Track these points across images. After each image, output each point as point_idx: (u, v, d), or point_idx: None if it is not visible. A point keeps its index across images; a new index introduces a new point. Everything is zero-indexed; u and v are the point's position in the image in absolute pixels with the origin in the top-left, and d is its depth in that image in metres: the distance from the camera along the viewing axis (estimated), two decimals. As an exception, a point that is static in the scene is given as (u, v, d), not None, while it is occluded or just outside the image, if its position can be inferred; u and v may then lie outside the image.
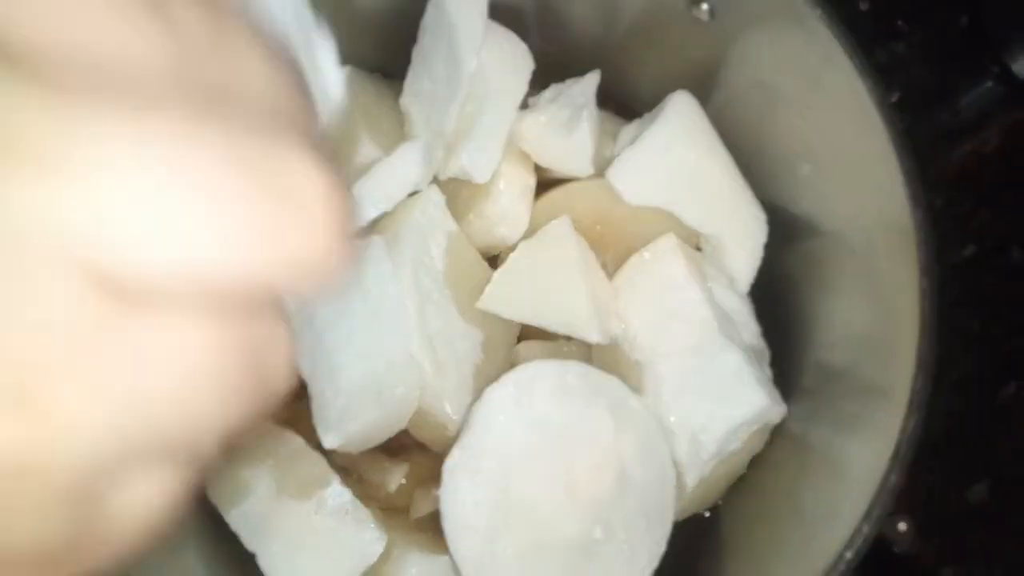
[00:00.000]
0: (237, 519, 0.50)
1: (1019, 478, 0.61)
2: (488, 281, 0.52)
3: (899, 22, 0.69)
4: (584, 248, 0.53)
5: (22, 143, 0.13)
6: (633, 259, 0.54)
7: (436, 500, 0.49)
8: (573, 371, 0.50)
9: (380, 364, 0.50)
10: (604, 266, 0.54)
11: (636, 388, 0.52)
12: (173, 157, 0.14)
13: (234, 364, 0.16)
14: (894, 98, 0.64)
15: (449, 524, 0.48)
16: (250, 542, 0.49)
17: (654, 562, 0.50)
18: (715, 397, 0.51)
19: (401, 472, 0.53)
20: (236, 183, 0.15)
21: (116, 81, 0.14)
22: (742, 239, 0.54)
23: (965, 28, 0.69)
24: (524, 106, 0.56)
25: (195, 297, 0.15)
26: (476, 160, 0.53)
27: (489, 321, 0.53)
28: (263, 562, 0.49)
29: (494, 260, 0.56)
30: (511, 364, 0.52)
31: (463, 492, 0.48)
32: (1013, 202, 0.66)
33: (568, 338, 0.52)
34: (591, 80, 0.56)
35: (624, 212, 0.54)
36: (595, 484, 0.49)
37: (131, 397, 0.15)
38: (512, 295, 0.52)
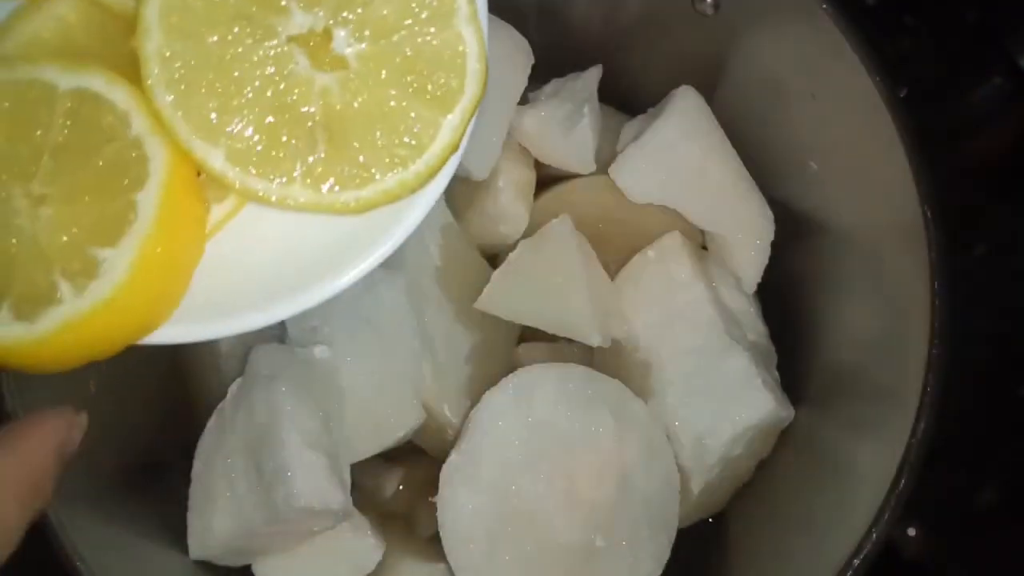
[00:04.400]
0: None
1: (1030, 482, 0.61)
2: (487, 281, 0.51)
3: (906, 17, 0.68)
4: (585, 247, 0.53)
5: None
6: (636, 258, 0.54)
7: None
8: (575, 376, 0.50)
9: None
10: (606, 265, 0.54)
11: (639, 391, 0.51)
12: None
13: None
14: (901, 94, 0.63)
15: (447, 531, 0.48)
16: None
17: (658, 570, 0.49)
18: (721, 400, 0.50)
19: (397, 477, 0.53)
20: None
21: None
22: (748, 237, 0.54)
23: (973, 23, 0.68)
24: (524, 101, 0.55)
25: None
26: (474, 156, 0.52)
27: (488, 322, 0.52)
28: (259, 571, 0.49)
29: (494, 259, 0.55)
30: (511, 367, 0.51)
31: (461, 499, 0.48)
32: (1024, 199, 0.65)
33: (569, 340, 0.52)
34: (593, 74, 0.56)
35: (627, 210, 0.53)
36: (597, 491, 0.48)
37: None
38: (511, 296, 0.51)
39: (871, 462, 0.45)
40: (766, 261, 0.54)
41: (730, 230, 0.54)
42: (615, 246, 0.54)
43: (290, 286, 0.32)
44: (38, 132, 0.30)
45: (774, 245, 0.54)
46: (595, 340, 0.50)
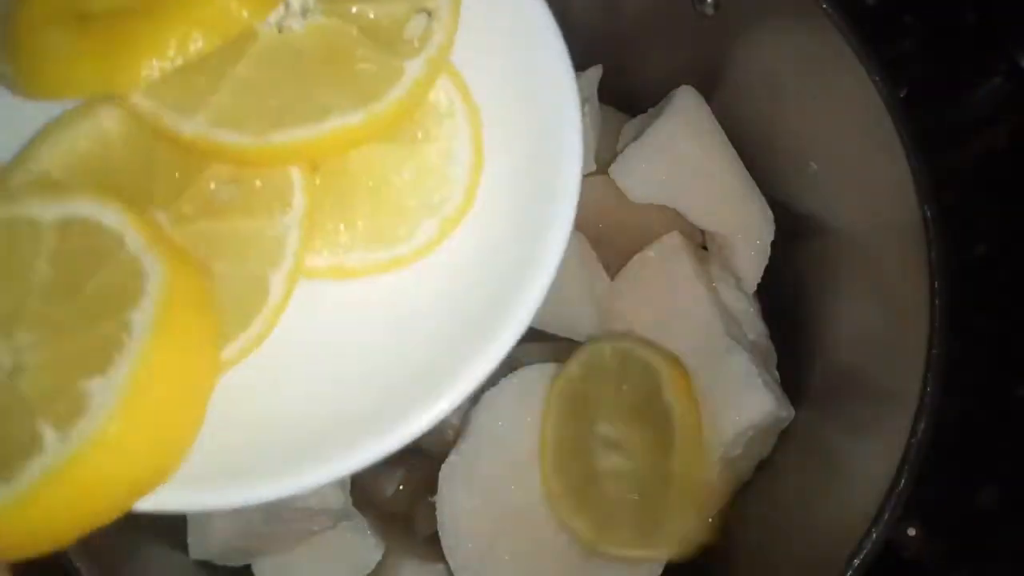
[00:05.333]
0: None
1: (1030, 482, 0.60)
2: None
3: (906, 17, 0.68)
4: (585, 247, 0.52)
5: None
6: (636, 258, 0.53)
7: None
8: (574, 375, 0.50)
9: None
10: (606, 266, 0.54)
11: (639, 391, 0.51)
12: None
13: None
14: (901, 94, 0.63)
15: (446, 531, 0.47)
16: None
17: (657, 569, 0.49)
18: (721, 400, 0.50)
19: (397, 477, 0.53)
20: None
21: None
22: (749, 237, 0.54)
23: (973, 23, 0.68)
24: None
25: None
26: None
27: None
28: (259, 571, 0.49)
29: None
30: (511, 366, 0.51)
31: (460, 499, 0.47)
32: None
33: (570, 339, 0.51)
34: (593, 74, 0.56)
35: (627, 209, 0.53)
36: (597, 490, 0.48)
37: None
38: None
39: (871, 462, 0.45)
40: (766, 261, 0.54)
41: (730, 230, 0.53)
42: (615, 245, 0.54)
43: (320, 448, 0.27)
44: (23, 276, 0.26)
45: (774, 245, 0.54)
46: (595, 340, 0.50)
